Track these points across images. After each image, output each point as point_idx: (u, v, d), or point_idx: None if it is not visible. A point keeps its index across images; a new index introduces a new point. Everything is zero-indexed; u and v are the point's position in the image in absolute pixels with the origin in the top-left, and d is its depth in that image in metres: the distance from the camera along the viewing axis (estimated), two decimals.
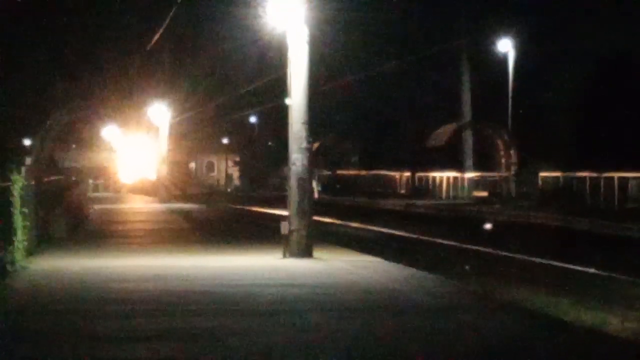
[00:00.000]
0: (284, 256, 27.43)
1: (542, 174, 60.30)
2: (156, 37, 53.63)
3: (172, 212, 58.63)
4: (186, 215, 54.98)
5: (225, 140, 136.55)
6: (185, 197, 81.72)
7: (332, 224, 47.81)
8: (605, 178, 51.17)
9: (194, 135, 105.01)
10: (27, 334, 15.50)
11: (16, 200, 24.11)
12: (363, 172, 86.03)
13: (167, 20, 47.62)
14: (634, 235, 38.03)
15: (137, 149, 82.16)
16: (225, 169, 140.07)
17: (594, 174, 51.70)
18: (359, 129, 78.69)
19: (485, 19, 61.18)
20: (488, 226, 46.80)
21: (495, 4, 59.89)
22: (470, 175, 70.67)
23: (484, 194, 64.71)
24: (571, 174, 55.64)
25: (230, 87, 59.24)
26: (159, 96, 76.65)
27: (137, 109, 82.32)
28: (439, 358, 13.32)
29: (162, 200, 72.64)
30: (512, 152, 65.43)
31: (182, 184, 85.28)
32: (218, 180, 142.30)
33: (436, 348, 13.99)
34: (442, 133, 72.07)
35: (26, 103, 63.91)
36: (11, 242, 23.16)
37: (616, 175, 49.14)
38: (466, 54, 69.07)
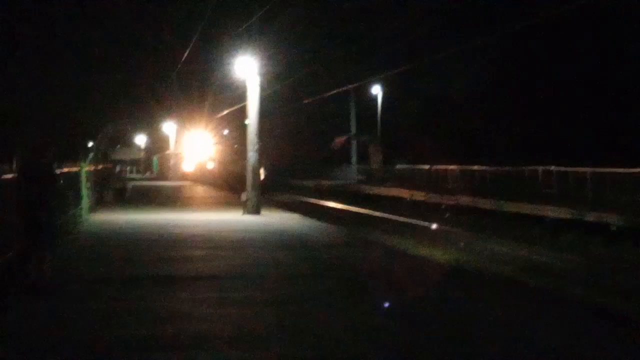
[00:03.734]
0: (243, 213, 27.75)
1: (398, 166, 60.75)
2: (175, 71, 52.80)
3: (179, 186, 58.06)
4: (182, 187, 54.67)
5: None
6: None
7: (272, 194, 47.94)
8: (437, 169, 51.64)
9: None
10: (86, 251, 15.98)
11: (83, 179, 24.22)
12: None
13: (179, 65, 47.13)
14: (449, 203, 38.31)
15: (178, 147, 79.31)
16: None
17: (427, 166, 52.15)
18: (288, 138, 78.09)
19: (365, 71, 61.23)
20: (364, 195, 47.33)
21: (372, 61, 59.77)
22: (355, 166, 71.06)
23: (363, 177, 65.08)
24: (416, 166, 56.01)
25: (213, 112, 58.73)
26: (168, 115, 76.14)
27: (156, 125, 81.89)
28: (330, 274, 13.52)
29: (175, 179, 71.27)
30: (379, 153, 65.89)
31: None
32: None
33: (331, 269, 14.33)
34: (338, 141, 72.39)
35: (89, 118, 63.48)
36: (80, 204, 23.27)
37: (441, 167, 49.65)
38: (353, 93, 69.29)
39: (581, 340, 8.50)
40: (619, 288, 17.00)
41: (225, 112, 50.73)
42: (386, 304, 10.37)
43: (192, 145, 60.06)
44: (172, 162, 78.20)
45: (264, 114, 30.04)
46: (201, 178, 63.13)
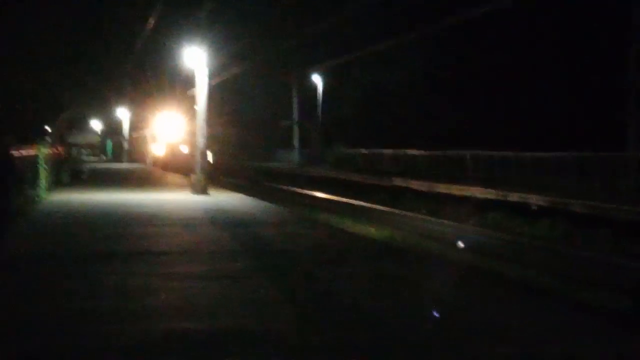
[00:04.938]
0: (193, 194, 27.73)
1: (338, 150, 60.99)
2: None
3: (132, 168, 57.59)
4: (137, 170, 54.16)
5: None
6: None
7: (220, 176, 47.80)
8: (373, 153, 52.01)
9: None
10: (43, 229, 15.70)
11: (41, 161, 24.04)
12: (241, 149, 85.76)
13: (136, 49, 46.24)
14: (384, 184, 38.73)
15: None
16: None
17: (365, 151, 52.51)
18: (237, 124, 77.67)
19: (307, 60, 61.15)
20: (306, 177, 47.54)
21: (314, 49, 59.80)
22: (297, 150, 71.21)
23: (304, 161, 65.31)
24: (355, 150, 56.33)
25: (168, 98, 57.62)
26: (123, 102, 75.00)
27: (111, 110, 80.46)
28: (267, 250, 13.70)
29: (129, 162, 70.52)
30: (320, 137, 66.17)
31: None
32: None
33: (273, 245, 14.48)
34: (282, 127, 72.52)
35: (48, 104, 62.22)
36: (38, 185, 23.10)
37: (377, 151, 49.98)
38: (296, 82, 69.30)
39: (480, 300, 8.81)
40: (533, 260, 17.48)
41: (176, 97, 50.12)
42: (313, 278, 10.58)
43: (160, 127, 58.64)
44: (126, 145, 77.27)
45: (214, 101, 30.00)
46: (160, 161, 62.05)
